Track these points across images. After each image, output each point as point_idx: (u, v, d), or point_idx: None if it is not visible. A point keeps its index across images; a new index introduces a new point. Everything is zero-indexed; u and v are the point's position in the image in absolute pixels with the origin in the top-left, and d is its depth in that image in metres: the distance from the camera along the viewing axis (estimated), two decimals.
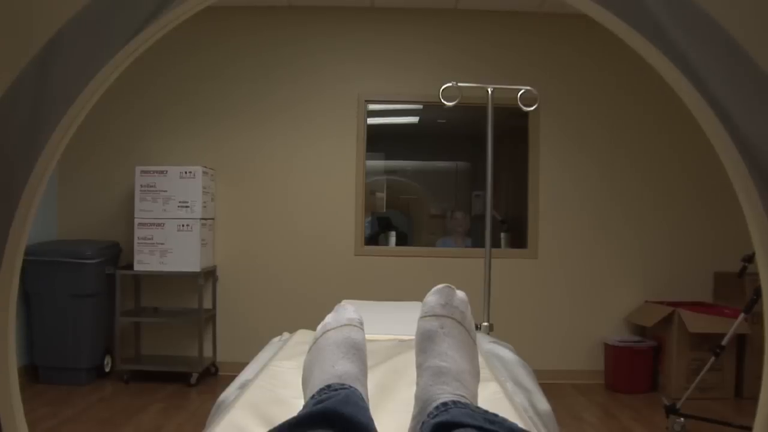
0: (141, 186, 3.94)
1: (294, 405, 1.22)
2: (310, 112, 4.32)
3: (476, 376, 1.05)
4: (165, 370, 4.03)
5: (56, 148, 0.83)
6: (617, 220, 4.30)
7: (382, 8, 4.32)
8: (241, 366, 1.87)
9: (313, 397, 0.98)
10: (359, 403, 0.96)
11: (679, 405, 3.10)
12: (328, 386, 0.99)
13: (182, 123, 4.32)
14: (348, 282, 4.23)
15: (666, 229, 4.29)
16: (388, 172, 5.87)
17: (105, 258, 3.97)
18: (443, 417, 0.89)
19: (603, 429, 3.28)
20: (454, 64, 4.28)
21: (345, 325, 1.12)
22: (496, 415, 0.89)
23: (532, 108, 2.87)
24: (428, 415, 0.92)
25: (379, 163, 5.70)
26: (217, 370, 4.25)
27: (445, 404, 0.92)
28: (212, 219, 4.20)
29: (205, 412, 2.56)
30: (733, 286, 3.77)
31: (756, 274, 0.94)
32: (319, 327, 1.16)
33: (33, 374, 3.89)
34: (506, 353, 1.96)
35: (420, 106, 4.88)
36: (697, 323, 3.69)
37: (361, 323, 1.15)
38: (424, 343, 1.05)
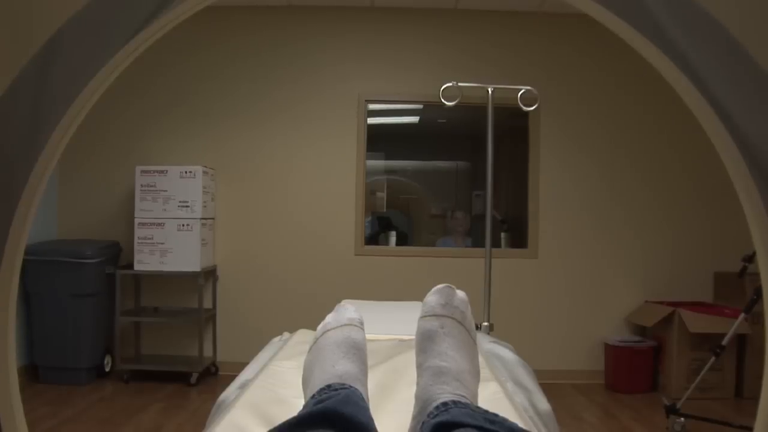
0: (141, 186, 3.94)
1: (294, 405, 1.22)
2: (310, 112, 4.32)
3: (476, 376, 1.05)
4: (165, 370, 4.03)
5: (56, 147, 0.83)
6: (617, 220, 4.30)
7: (382, 8, 4.32)
8: (241, 366, 1.87)
9: (313, 396, 0.98)
10: (359, 402, 0.96)
11: (679, 405, 3.10)
12: (329, 386, 0.99)
13: (182, 123, 4.32)
14: (348, 282, 4.23)
15: (666, 229, 4.29)
16: (389, 171, 5.87)
17: (105, 258, 3.97)
18: (443, 417, 0.89)
19: (603, 429, 3.28)
20: (454, 63, 4.28)
21: (345, 324, 1.12)
22: (496, 415, 0.89)
23: (532, 108, 2.87)
24: (428, 415, 0.92)
25: (379, 163, 5.70)
26: (217, 369, 4.25)
27: (445, 404, 0.92)
28: (212, 219, 4.20)
29: (205, 412, 2.56)
30: (734, 286, 3.77)
31: (756, 274, 0.94)
32: (320, 327, 1.16)
33: (33, 374, 3.89)
34: (506, 353, 1.96)
35: (420, 106, 4.88)
36: (698, 323, 3.69)
37: (362, 323, 1.15)
38: (425, 342, 1.05)
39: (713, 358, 3.10)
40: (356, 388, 1.00)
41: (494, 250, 2.93)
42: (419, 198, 6.00)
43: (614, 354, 4.04)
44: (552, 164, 4.31)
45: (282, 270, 4.29)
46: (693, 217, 4.28)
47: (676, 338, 3.81)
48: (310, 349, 1.13)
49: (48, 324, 3.84)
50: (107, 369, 4.11)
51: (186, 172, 3.94)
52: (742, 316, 3.02)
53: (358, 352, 1.09)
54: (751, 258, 2.98)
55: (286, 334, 2.19)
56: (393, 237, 4.90)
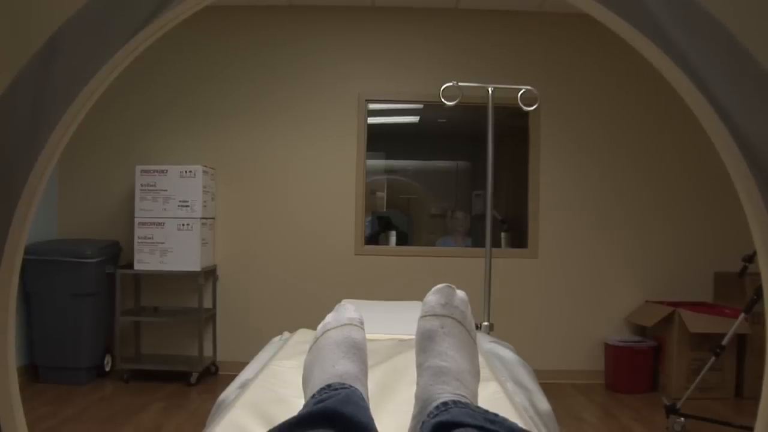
0: (141, 185, 3.94)
1: (294, 404, 1.22)
2: (311, 111, 4.32)
3: (476, 376, 1.05)
4: (165, 370, 4.03)
5: (56, 146, 0.83)
6: (617, 220, 4.30)
7: (382, 8, 4.31)
8: (241, 365, 1.87)
9: (313, 396, 0.98)
10: (359, 402, 0.96)
11: (679, 405, 3.10)
12: (329, 386, 0.99)
13: (182, 122, 4.32)
14: (348, 281, 4.23)
15: (666, 229, 4.29)
16: (389, 171, 5.87)
17: (105, 257, 3.97)
18: (443, 416, 0.89)
19: (603, 429, 3.28)
20: (454, 63, 4.28)
21: (345, 324, 1.12)
22: (496, 415, 0.89)
23: (532, 108, 2.87)
24: (428, 415, 0.92)
25: (379, 163, 5.69)
26: (217, 369, 4.25)
27: (445, 404, 0.92)
28: (212, 218, 4.20)
29: (205, 412, 2.56)
30: (734, 286, 3.77)
31: (756, 274, 0.94)
32: (320, 326, 1.16)
33: (33, 374, 3.89)
34: (506, 353, 1.96)
35: (420, 106, 4.88)
36: (698, 323, 3.69)
37: (362, 323, 1.15)
38: (425, 342, 1.05)
39: (713, 358, 3.10)
40: (356, 388, 1.00)
41: (494, 250, 2.93)
42: (419, 198, 6.00)
43: (614, 354, 4.04)
44: (552, 164, 4.31)
45: (282, 270, 4.29)
46: (693, 217, 4.28)
47: (676, 338, 3.81)
48: (310, 348, 1.13)
49: (48, 324, 3.83)
50: (107, 369, 4.11)
51: (186, 172, 3.94)
52: (742, 316, 3.02)
53: (358, 351, 1.09)
54: (751, 258, 2.98)
55: (286, 334, 2.19)
56: (393, 237, 4.90)
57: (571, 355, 4.24)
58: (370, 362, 1.14)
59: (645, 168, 4.30)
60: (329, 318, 1.16)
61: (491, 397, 1.39)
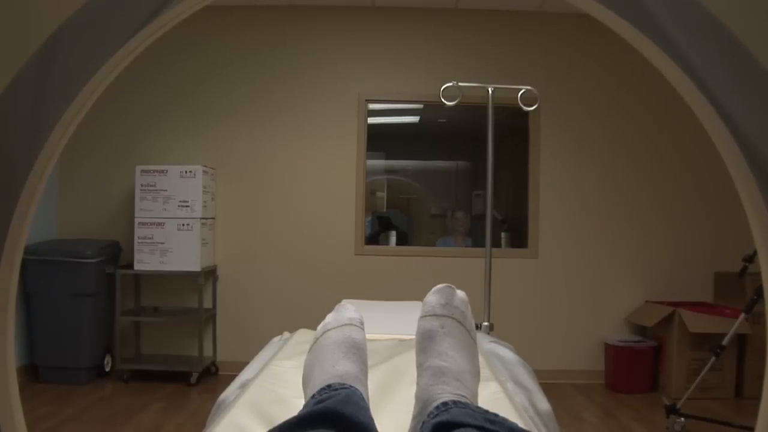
0: (141, 185, 3.94)
1: (294, 404, 1.22)
2: (311, 111, 4.32)
3: (476, 376, 1.05)
4: (165, 370, 4.03)
5: (56, 146, 0.83)
6: (618, 220, 4.30)
7: (382, 8, 4.31)
8: (241, 365, 1.87)
9: (313, 396, 0.98)
10: (360, 402, 0.96)
11: (679, 405, 3.09)
12: (329, 386, 0.99)
13: (182, 122, 4.32)
14: (348, 281, 4.23)
15: (666, 229, 4.29)
16: (389, 171, 5.87)
17: (105, 257, 3.97)
18: (443, 417, 0.89)
19: (603, 429, 3.28)
20: (454, 63, 4.28)
21: (345, 324, 1.12)
22: (496, 415, 0.89)
23: (532, 108, 2.86)
24: (428, 415, 0.92)
25: (379, 163, 5.69)
26: (217, 369, 4.24)
27: (445, 404, 0.92)
28: (212, 218, 4.19)
29: (205, 412, 2.56)
30: (734, 286, 3.77)
31: (756, 274, 0.94)
32: (320, 326, 1.15)
33: (33, 374, 3.89)
34: (506, 353, 1.96)
35: (420, 106, 4.88)
36: (698, 323, 3.68)
37: (362, 323, 1.15)
38: (425, 342, 1.05)
39: (713, 358, 3.10)
40: (356, 388, 1.00)
41: (494, 250, 2.93)
42: (419, 198, 6.00)
43: (614, 354, 4.04)
44: (552, 164, 4.31)
45: (282, 270, 4.29)
46: (693, 217, 4.28)
47: (676, 338, 3.80)
48: (311, 348, 1.13)
49: (48, 324, 3.83)
50: (107, 369, 4.11)
51: (186, 172, 3.94)
52: (742, 316, 3.02)
53: (359, 351, 1.09)
54: (751, 258, 2.98)
55: (286, 334, 2.19)
56: (393, 237, 4.90)
57: (571, 355, 4.24)
58: (370, 362, 1.14)
59: (645, 168, 4.30)
60: (329, 318, 1.16)
61: (491, 397, 1.39)
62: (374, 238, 5.08)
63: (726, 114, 0.77)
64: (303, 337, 2.02)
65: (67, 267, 3.80)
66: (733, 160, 0.80)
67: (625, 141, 4.30)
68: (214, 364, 4.24)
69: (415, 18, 4.32)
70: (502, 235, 4.71)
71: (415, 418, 0.99)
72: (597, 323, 4.26)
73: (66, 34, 0.78)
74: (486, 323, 2.76)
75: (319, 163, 4.33)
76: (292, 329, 2.22)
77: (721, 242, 4.19)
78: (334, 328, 1.12)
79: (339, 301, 1.43)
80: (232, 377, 1.76)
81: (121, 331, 4.08)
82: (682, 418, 3.08)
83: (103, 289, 3.98)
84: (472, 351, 1.06)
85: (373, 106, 4.46)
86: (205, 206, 4.00)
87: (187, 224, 3.91)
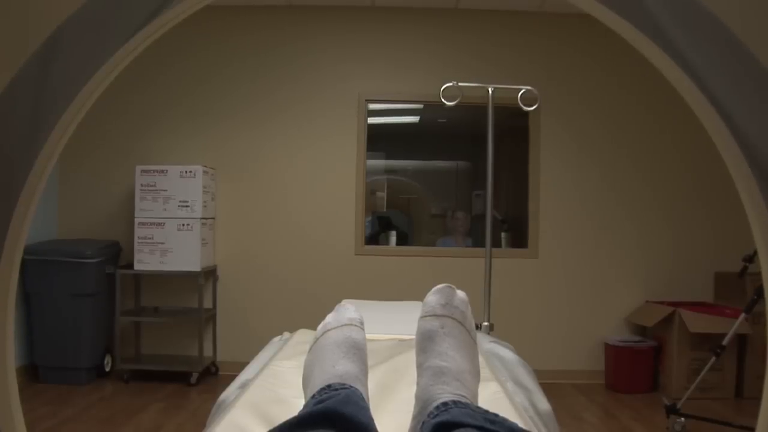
0: (141, 185, 3.94)
1: (294, 405, 1.22)
2: (311, 111, 4.32)
3: (476, 376, 1.05)
4: (165, 370, 4.03)
5: (56, 146, 0.83)
6: (618, 219, 4.30)
7: (382, 8, 4.31)
8: (241, 366, 1.87)
9: (313, 396, 0.98)
10: (360, 402, 0.96)
11: (679, 405, 3.09)
12: (329, 386, 0.99)
13: (182, 122, 4.32)
14: (348, 282, 4.23)
15: (667, 229, 4.29)
16: (389, 171, 5.87)
17: (105, 257, 3.96)
18: (443, 417, 0.89)
19: (603, 429, 3.28)
20: (454, 63, 4.28)
21: (345, 324, 1.12)
22: (496, 415, 0.89)
23: (532, 108, 2.87)
24: (428, 415, 0.92)
25: (379, 163, 5.69)
26: (217, 369, 4.24)
27: (445, 404, 0.92)
28: (212, 218, 4.19)
29: (205, 412, 2.56)
30: (734, 286, 3.77)
31: (756, 274, 0.94)
32: (320, 326, 1.15)
33: (33, 374, 3.89)
34: (506, 353, 1.96)
35: (420, 106, 4.88)
36: (698, 323, 3.68)
37: (362, 323, 1.15)
38: (425, 342, 1.05)
39: (713, 358, 3.10)
40: (356, 388, 1.00)
41: (494, 250, 2.93)
42: (419, 198, 6.00)
43: (614, 354, 4.04)
44: (552, 164, 4.31)
45: (282, 270, 4.29)
46: (693, 217, 4.28)
47: (676, 338, 3.80)
48: (311, 348, 1.13)
49: (48, 324, 3.83)
50: (107, 369, 4.11)
51: (186, 172, 3.93)
52: (742, 316, 3.02)
53: (359, 352, 1.09)
54: (751, 258, 2.98)
55: (286, 334, 2.19)
56: (393, 237, 4.90)
57: (571, 355, 4.24)
58: (370, 362, 1.14)
59: (645, 168, 4.30)
60: (329, 318, 1.16)
61: (491, 397, 1.39)
62: (374, 238, 5.08)
63: (726, 114, 0.77)
64: (303, 337, 2.02)
65: (67, 267, 3.80)
66: (733, 160, 0.80)
67: (625, 141, 4.30)
68: (214, 364, 4.24)
69: (415, 18, 4.32)
70: (502, 235, 4.71)
71: (415, 418, 0.99)
72: (597, 323, 4.26)
73: (65, 34, 0.77)
74: (486, 323, 2.76)
75: (319, 163, 4.33)
76: (292, 329, 2.22)
77: (721, 242, 4.19)
78: (334, 328, 1.12)
79: (339, 301, 1.43)
80: (232, 377, 1.76)
81: (121, 331, 4.08)
82: (682, 418, 3.08)
83: (103, 289, 3.98)
84: (472, 351, 1.06)
85: (373, 106, 4.46)
86: (205, 206, 4.00)
87: (187, 224, 3.91)
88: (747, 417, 3.21)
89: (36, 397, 3.58)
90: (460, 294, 1.10)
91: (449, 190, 6.17)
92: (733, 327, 3.05)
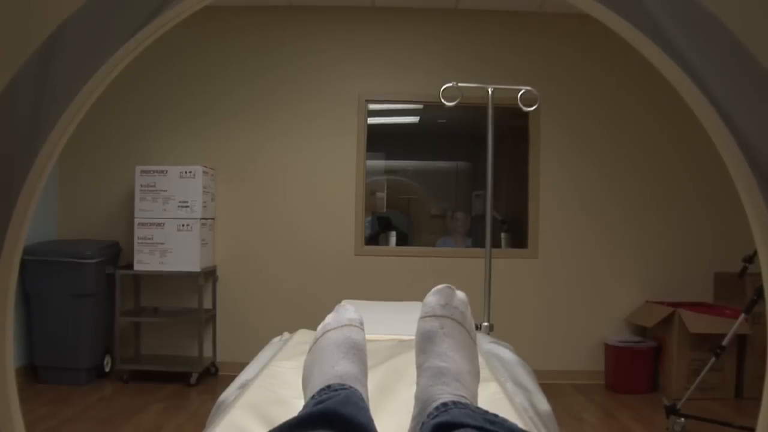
0: (141, 186, 3.94)
1: (294, 405, 1.22)
2: (311, 111, 4.32)
3: (476, 377, 1.05)
4: (165, 370, 4.02)
5: (56, 146, 0.83)
6: (618, 220, 4.30)
7: (382, 8, 4.31)
8: (241, 366, 1.87)
9: (313, 397, 0.98)
10: (359, 403, 0.96)
11: (679, 405, 3.09)
12: (329, 386, 0.99)
13: (182, 123, 4.32)
14: (348, 282, 4.23)
15: (666, 230, 4.29)
16: (389, 171, 5.87)
17: (105, 258, 3.96)
18: (443, 417, 0.89)
19: (603, 429, 3.28)
20: (454, 64, 4.28)
21: (345, 325, 1.12)
22: (496, 416, 0.89)
23: (532, 108, 2.86)
24: (428, 416, 0.92)
25: (379, 163, 5.69)
26: (217, 370, 4.24)
27: (445, 404, 0.92)
28: (212, 219, 4.19)
29: (205, 412, 2.56)
30: (734, 287, 3.77)
31: (757, 275, 0.93)
32: (320, 327, 1.15)
33: (33, 374, 3.89)
34: (506, 353, 1.96)
35: (420, 106, 4.88)
36: (698, 323, 3.68)
37: (362, 323, 1.15)
38: (424, 343, 1.05)
39: (713, 359, 3.10)
40: (356, 389, 1.00)
41: (494, 250, 2.93)
42: (419, 198, 6.00)
43: (614, 354, 4.04)
44: (552, 164, 4.31)
45: (282, 270, 4.29)
46: (693, 217, 4.28)
47: (676, 338, 3.80)
48: (310, 349, 1.13)
49: (48, 324, 3.83)
50: (107, 369, 4.11)
51: (186, 172, 3.94)
52: (742, 316, 3.02)
53: (358, 352, 1.08)
54: (751, 258, 2.98)
55: (286, 334, 2.18)
56: (393, 237, 4.90)
57: (571, 355, 4.24)
58: (370, 363, 1.14)
59: (645, 168, 4.30)
60: (329, 319, 1.16)
61: (491, 397, 1.39)
62: (374, 238, 5.08)
63: (726, 114, 0.77)
64: (303, 337, 2.01)
65: (67, 267, 3.80)
66: (733, 160, 0.80)
67: (625, 141, 4.30)
68: (213, 364, 4.24)
69: (415, 18, 4.32)
70: (502, 235, 4.71)
71: (414, 418, 0.99)
72: (597, 323, 4.26)
73: (66, 33, 0.77)
74: (486, 323, 2.76)
75: (319, 164, 4.33)
76: (292, 329, 2.22)
77: (721, 242, 4.19)
78: (333, 328, 1.12)
79: (339, 301, 1.42)
80: (232, 378, 1.76)
81: (120, 332, 4.08)
82: (682, 419, 3.08)
83: (103, 289, 3.98)
84: (471, 351, 1.06)
85: (373, 107, 4.46)
86: (204, 206, 4.00)
87: (187, 225, 3.91)
88: (747, 417, 3.20)
89: (36, 397, 3.58)
90: (460, 294, 1.10)
91: (449, 190, 6.17)
92: (733, 327, 3.05)
